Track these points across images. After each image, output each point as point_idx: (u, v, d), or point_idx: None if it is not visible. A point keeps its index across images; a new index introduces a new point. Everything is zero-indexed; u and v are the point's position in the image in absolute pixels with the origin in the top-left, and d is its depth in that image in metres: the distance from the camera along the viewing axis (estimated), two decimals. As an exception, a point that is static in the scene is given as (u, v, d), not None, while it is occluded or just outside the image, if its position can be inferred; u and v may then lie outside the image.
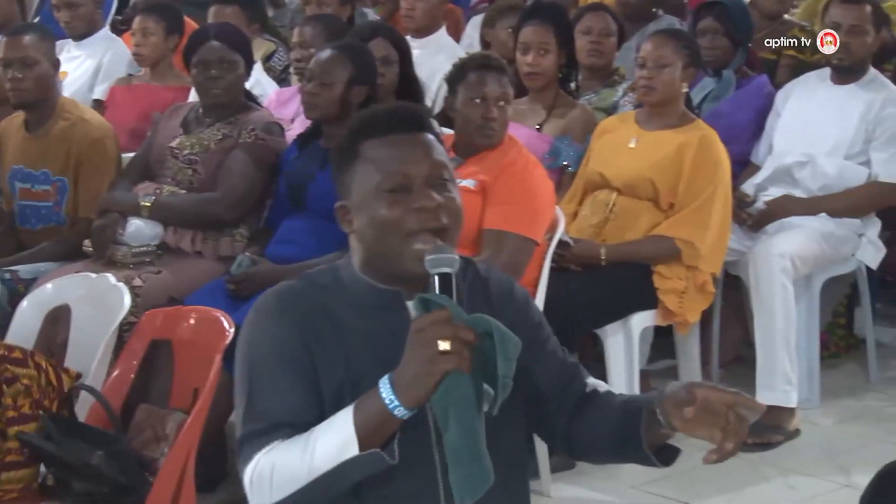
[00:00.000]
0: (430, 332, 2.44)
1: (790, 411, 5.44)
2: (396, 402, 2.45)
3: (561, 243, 5.02)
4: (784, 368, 5.42)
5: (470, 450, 2.51)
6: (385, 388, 2.46)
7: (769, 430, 5.37)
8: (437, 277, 2.51)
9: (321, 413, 2.56)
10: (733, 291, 5.87)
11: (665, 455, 2.67)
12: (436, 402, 2.49)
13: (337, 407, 2.53)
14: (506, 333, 2.50)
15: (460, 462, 2.51)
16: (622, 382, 5.21)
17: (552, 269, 4.94)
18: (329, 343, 2.61)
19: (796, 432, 5.46)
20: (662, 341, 5.79)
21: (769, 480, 5.19)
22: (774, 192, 5.81)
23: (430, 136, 2.66)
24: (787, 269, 5.47)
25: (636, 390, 5.21)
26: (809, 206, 5.74)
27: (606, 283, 5.16)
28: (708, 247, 5.26)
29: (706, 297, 5.40)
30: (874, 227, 5.86)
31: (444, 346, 2.43)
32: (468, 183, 4.82)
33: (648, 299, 5.27)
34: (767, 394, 5.39)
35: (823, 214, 5.72)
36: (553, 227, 4.95)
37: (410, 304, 2.57)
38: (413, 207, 2.58)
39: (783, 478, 5.20)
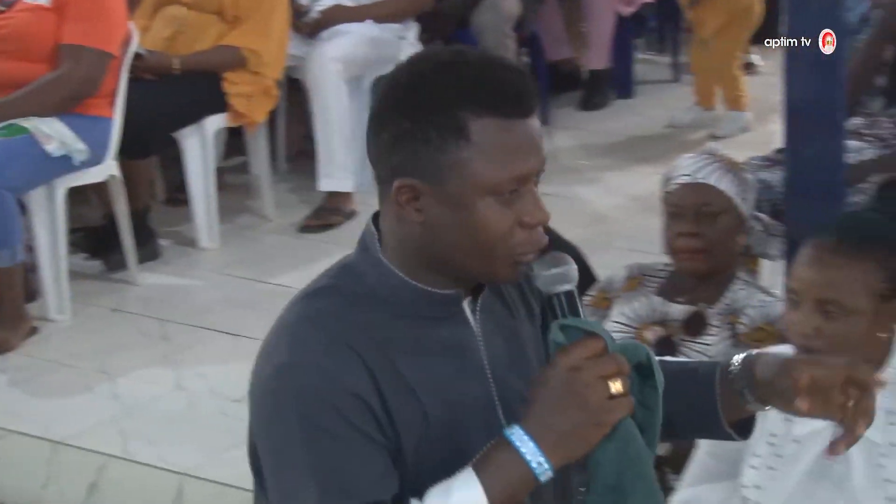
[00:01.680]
0: (590, 370, 1.71)
1: (348, 195, 5.60)
2: (546, 466, 1.71)
3: (136, 55, 4.94)
4: (341, 159, 5.57)
5: None
6: (526, 446, 1.71)
7: (330, 212, 5.55)
8: (563, 297, 1.79)
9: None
10: (295, 93, 5.93)
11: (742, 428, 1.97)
12: (606, 461, 1.76)
13: (418, 452, 1.78)
14: (656, 361, 1.84)
15: None
16: (200, 181, 5.28)
17: (130, 80, 4.86)
18: (391, 375, 1.77)
19: (353, 213, 5.61)
20: (234, 140, 5.85)
21: (332, 255, 5.34)
22: (326, 2, 5.85)
23: (537, 122, 1.81)
24: (339, 71, 5.59)
25: (212, 184, 5.26)
26: (357, 14, 5.81)
27: (180, 91, 5.19)
28: (270, 54, 5.35)
29: (271, 100, 5.52)
30: (413, 30, 6.02)
31: (615, 387, 1.71)
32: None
33: (219, 104, 5.29)
34: (328, 181, 5.57)
35: (369, 21, 5.82)
36: (127, 42, 4.85)
37: (465, 307, 1.86)
38: (525, 221, 1.77)
39: (343, 253, 5.37)
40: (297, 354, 1.76)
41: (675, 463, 2.69)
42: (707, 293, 2.90)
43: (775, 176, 3.57)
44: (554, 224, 3.24)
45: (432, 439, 1.78)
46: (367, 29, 5.80)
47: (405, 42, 5.94)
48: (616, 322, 2.93)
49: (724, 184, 2.86)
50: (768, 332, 2.81)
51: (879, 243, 2.35)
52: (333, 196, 5.59)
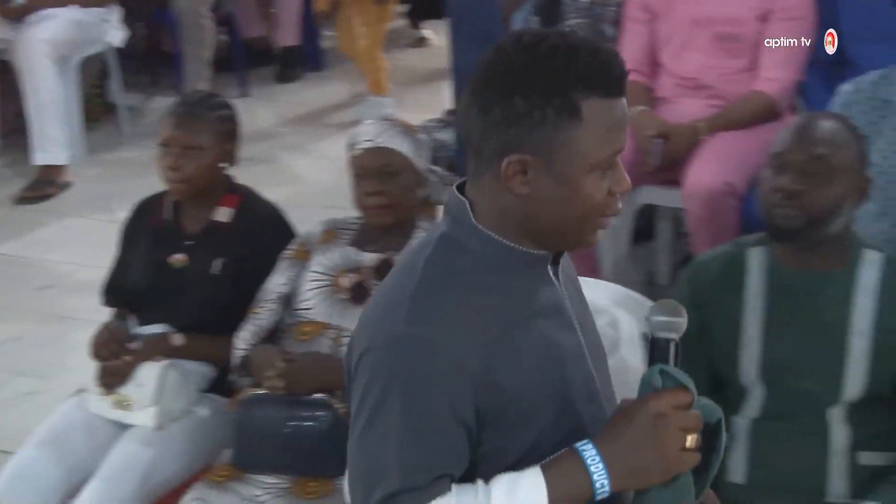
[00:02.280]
0: (675, 419, 1.72)
1: (62, 168, 5.45)
2: (607, 487, 1.71)
3: None
4: (54, 134, 5.41)
5: None
6: (595, 466, 1.71)
7: (45, 184, 5.40)
8: (670, 345, 1.77)
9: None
10: (5, 74, 5.70)
11: None
12: (658, 502, 1.75)
13: (526, 411, 1.75)
14: (723, 428, 1.82)
15: None
16: None
17: None
18: (503, 343, 1.74)
19: (67, 184, 5.46)
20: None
21: (48, 224, 5.24)
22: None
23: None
24: (48, 52, 5.42)
25: None
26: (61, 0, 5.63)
27: None
28: None
29: None
30: (115, 13, 5.87)
31: (690, 441, 1.72)
32: None
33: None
34: (41, 155, 5.40)
35: (74, 6, 5.64)
36: None
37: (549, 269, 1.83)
38: (614, 190, 1.78)
39: (59, 221, 5.26)
40: (416, 325, 1.70)
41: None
42: (394, 241, 2.95)
43: (448, 135, 3.66)
44: (256, 186, 3.26)
45: (541, 398, 1.75)
46: (72, 13, 5.65)
47: (108, 24, 5.81)
48: (314, 271, 2.96)
49: (402, 146, 2.91)
50: (448, 272, 2.88)
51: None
52: (48, 169, 5.43)
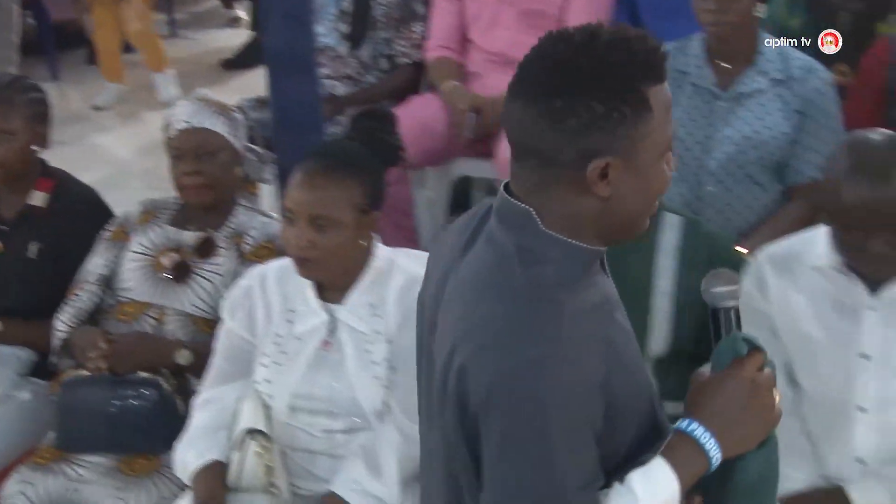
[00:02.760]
0: (764, 382, 1.74)
1: None
2: (719, 460, 1.71)
3: None
4: None
5: None
6: (709, 444, 1.70)
7: None
8: (732, 313, 1.79)
9: None
10: None
11: None
12: (753, 463, 1.75)
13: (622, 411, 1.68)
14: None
15: None
16: None
17: None
18: (612, 349, 1.66)
19: None
20: None
21: None
22: None
23: None
24: None
25: None
26: None
27: None
28: None
29: None
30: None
31: (778, 398, 1.75)
32: None
33: None
34: None
35: None
36: None
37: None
38: (669, 169, 1.71)
39: None
40: (544, 345, 1.60)
41: (196, 369, 2.73)
42: (214, 220, 2.93)
43: (265, 114, 3.63)
44: (70, 169, 3.20)
45: (639, 397, 1.72)
46: None
47: None
48: (134, 252, 2.92)
49: (218, 126, 2.89)
50: (270, 249, 2.88)
51: (357, 165, 2.46)
52: None
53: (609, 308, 1.69)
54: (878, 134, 2.32)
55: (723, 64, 3.23)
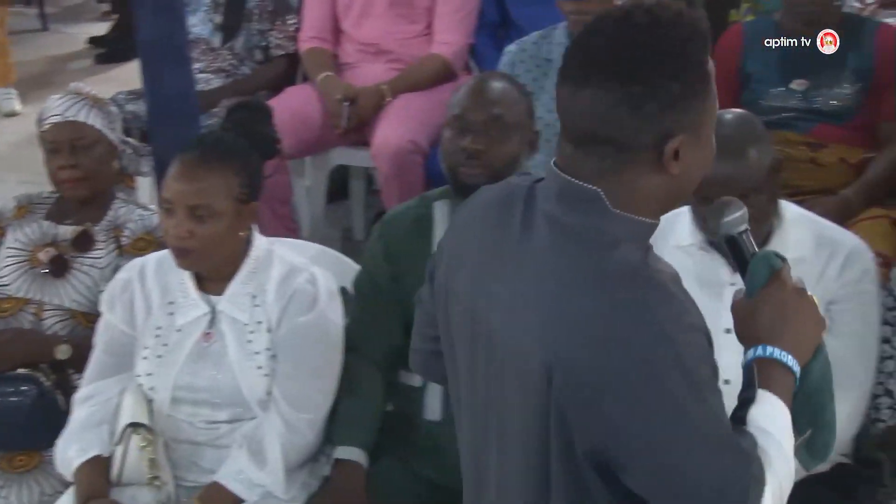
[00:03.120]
0: (804, 290, 1.74)
1: None
2: (799, 372, 1.72)
3: None
4: None
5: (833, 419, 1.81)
6: (791, 361, 1.70)
7: None
8: (747, 235, 1.79)
9: None
10: None
11: None
12: (815, 371, 1.75)
13: None
14: None
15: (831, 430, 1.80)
16: None
17: None
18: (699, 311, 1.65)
19: None
20: None
21: None
22: None
23: None
24: None
25: None
26: None
27: None
28: None
29: None
30: None
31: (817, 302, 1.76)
32: None
33: None
34: None
35: None
36: None
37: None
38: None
39: None
40: (669, 322, 1.55)
41: (76, 364, 2.69)
42: (91, 213, 2.89)
43: (140, 107, 3.59)
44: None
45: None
46: None
47: None
48: (10, 248, 2.86)
49: (92, 118, 2.85)
50: (149, 241, 2.84)
51: (234, 156, 2.45)
52: None
53: (678, 274, 1.66)
54: (730, 113, 2.39)
55: (588, 51, 3.26)
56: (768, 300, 1.72)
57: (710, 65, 1.63)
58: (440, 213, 2.65)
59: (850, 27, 3.34)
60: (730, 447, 1.58)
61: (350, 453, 2.51)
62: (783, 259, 1.75)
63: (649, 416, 1.54)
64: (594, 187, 1.61)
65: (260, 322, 2.47)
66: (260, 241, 2.53)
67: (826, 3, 3.28)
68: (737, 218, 1.79)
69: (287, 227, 3.89)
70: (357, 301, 2.69)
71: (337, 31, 4.06)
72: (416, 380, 2.62)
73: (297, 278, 2.50)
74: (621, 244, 1.60)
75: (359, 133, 3.91)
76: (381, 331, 2.63)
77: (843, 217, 3.10)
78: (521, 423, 1.64)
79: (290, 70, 4.18)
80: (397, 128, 3.75)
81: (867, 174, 3.28)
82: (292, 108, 3.85)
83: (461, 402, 1.77)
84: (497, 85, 2.62)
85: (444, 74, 3.93)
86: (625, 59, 1.58)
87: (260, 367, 2.46)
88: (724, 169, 2.23)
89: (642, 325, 1.54)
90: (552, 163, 1.66)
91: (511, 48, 3.36)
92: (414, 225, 2.65)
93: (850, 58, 3.30)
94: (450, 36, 3.95)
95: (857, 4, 3.71)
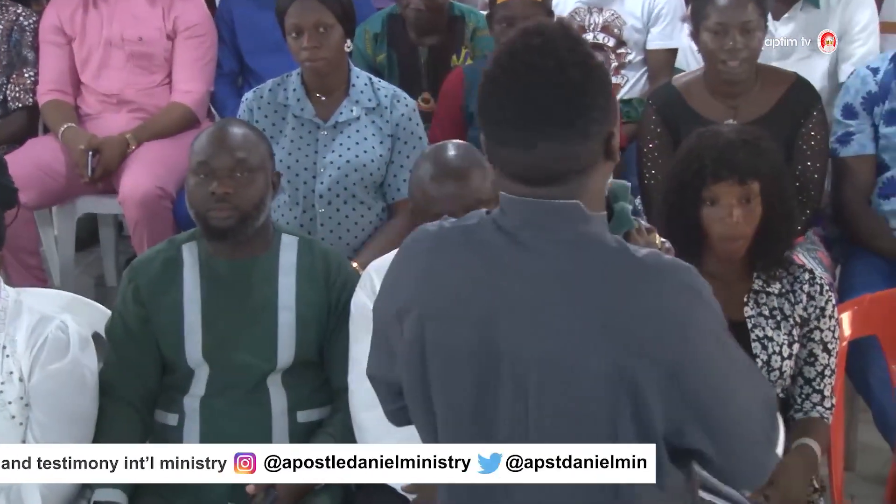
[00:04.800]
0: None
1: None
2: None
3: None
4: None
5: None
6: None
7: None
8: None
9: None
10: None
11: None
12: None
13: None
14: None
15: None
16: None
17: None
18: None
19: None
20: None
21: None
22: None
23: None
24: None
25: None
26: None
27: None
28: None
29: None
30: None
31: None
32: None
33: None
34: None
35: None
36: None
37: None
38: None
39: None
40: (702, 290, 1.63)
41: None
42: None
43: None
44: None
45: None
46: None
47: None
48: None
49: None
50: None
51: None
52: None
53: None
54: (454, 143, 2.51)
55: (320, 96, 3.29)
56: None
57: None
58: (189, 254, 2.61)
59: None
60: (759, 372, 1.83)
61: (109, 495, 2.43)
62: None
63: (723, 374, 1.63)
64: (572, 201, 1.64)
65: (11, 372, 2.37)
66: (7, 292, 2.43)
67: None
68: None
69: (36, 276, 3.77)
70: (110, 345, 2.62)
71: (77, 83, 3.97)
72: (172, 419, 2.58)
73: (47, 326, 2.41)
74: (607, 240, 1.65)
75: (105, 181, 3.82)
76: (135, 373, 2.57)
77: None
78: (575, 427, 1.62)
79: (30, 122, 4.04)
80: (144, 175, 3.70)
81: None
82: (34, 159, 3.74)
83: (448, 432, 1.71)
84: (237, 131, 2.61)
85: (187, 122, 3.90)
86: (559, 109, 1.60)
87: (13, 417, 2.35)
88: (451, 188, 2.37)
89: (693, 299, 1.62)
90: (510, 196, 1.66)
91: (248, 95, 3.36)
92: (163, 268, 2.61)
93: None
94: (191, 85, 3.92)
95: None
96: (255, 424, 2.55)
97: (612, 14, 3.89)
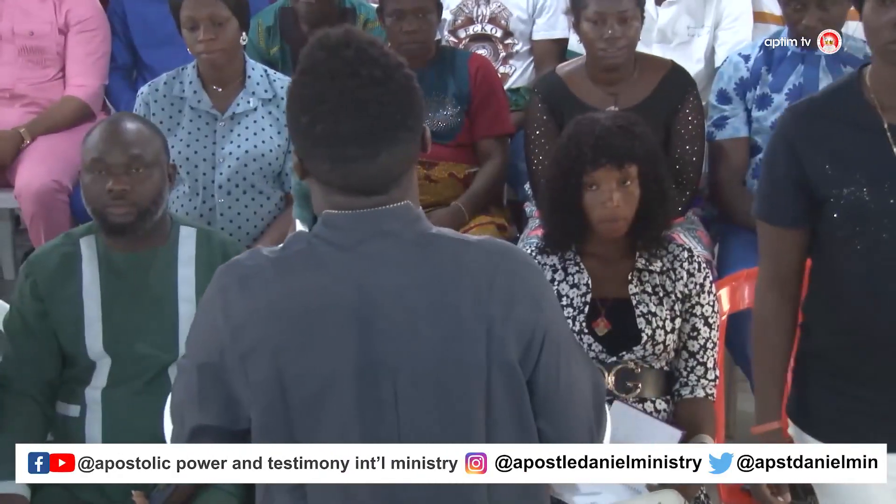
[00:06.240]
0: None
1: None
2: None
3: None
4: None
5: None
6: None
7: None
8: None
9: None
10: None
11: None
12: None
13: None
14: None
15: None
16: None
17: None
18: None
19: None
20: None
21: None
22: None
23: None
24: None
25: None
26: None
27: None
28: None
29: None
30: None
31: None
32: None
33: None
34: None
35: None
36: None
37: None
38: None
39: None
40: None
41: None
42: None
43: None
44: None
45: None
46: None
47: None
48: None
49: None
50: None
51: None
52: None
53: None
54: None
55: (216, 88, 3.25)
56: None
57: None
58: (87, 248, 2.56)
59: (448, 58, 3.48)
60: (591, 360, 1.85)
61: (10, 487, 2.37)
62: None
63: (568, 351, 1.70)
64: (404, 202, 1.64)
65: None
66: None
67: (426, 39, 3.40)
68: None
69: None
70: (8, 340, 2.54)
71: (-32, 78, 3.85)
72: (74, 410, 2.53)
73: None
74: (443, 233, 1.66)
75: (0, 176, 3.71)
76: (34, 366, 2.51)
77: (456, 225, 3.24)
78: (462, 391, 1.61)
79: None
80: (39, 168, 3.61)
81: (472, 187, 3.42)
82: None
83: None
84: (131, 126, 2.55)
85: (81, 115, 3.82)
86: (397, 114, 1.60)
87: None
88: None
89: (539, 275, 1.72)
90: (342, 213, 1.62)
91: (144, 89, 3.31)
92: (61, 263, 2.55)
93: (450, 84, 3.43)
94: (84, 79, 3.84)
95: (453, 39, 3.87)
96: (157, 414, 2.51)
97: (499, 6, 3.90)
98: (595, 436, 1.75)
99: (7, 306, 2.62)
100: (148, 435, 2.48)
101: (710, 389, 2.57)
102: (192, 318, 2.48)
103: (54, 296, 2.52)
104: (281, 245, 1.67)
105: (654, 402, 2.53)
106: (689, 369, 2.57)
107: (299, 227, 2.08)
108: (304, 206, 2.05)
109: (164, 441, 2.47)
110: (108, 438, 2.50)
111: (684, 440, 2.40)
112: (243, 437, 1.66)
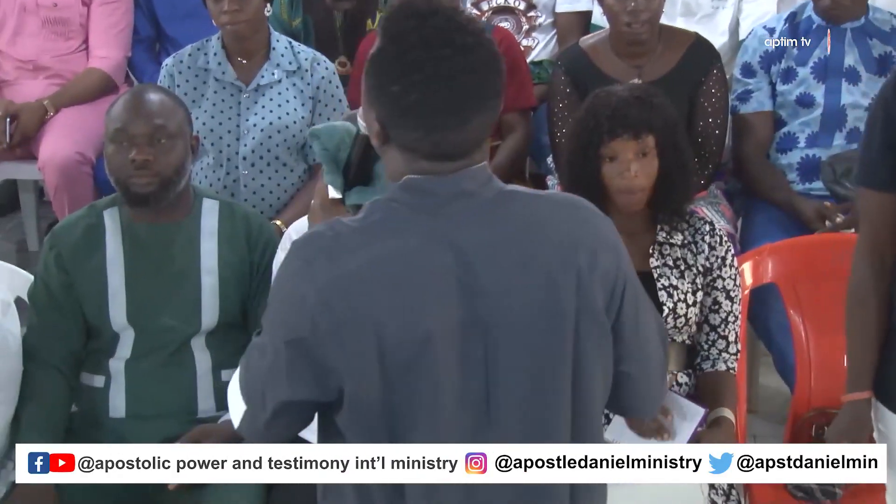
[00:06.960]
0: None
1: None
2: None
3: None
4: None
5: None
6: None
7: None
8: None
9: None
10: None
11: None
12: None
13: None
14: None
15: None
16: None
17: None
18: None
19: None
20: None
21: None
22: None
23: None
24: None
25: None
26: None
27: None
28: None
29: None
30: None
31: None
32: None
33: None
34: None
35: None
36: None
37: None
38: None
39: None
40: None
41: None
42: None
43: None
44: None
45: None
46: None
47: None
48: None
49: None
50: None
51: None
52: None
53: None
54: None
55: (241, 60, 3.23)
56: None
57: None
58: (110, 220, 2.54)
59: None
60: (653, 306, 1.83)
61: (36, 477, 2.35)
62: None
63: (642, 298, 1.73)
64: (482, 163, 1.64)
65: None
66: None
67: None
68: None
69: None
70: (34, 310, 2.54)
71: (-8, 49, 3.85)
72: (98, 381, 2.51)
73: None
74: (518, 190, 1.68)
75: (24, 148, 3.71)
76: (59, 337, 2.50)
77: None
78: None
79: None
80: (63, 140, 3.60)
81: (495, 160, 3.39)
82: (-52, 127, 3.62)
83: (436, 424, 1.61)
84: (154, 97, 2.53)
85: (104, 87, 3.80)
86: (488, 82, 1.60)
87: None
88: None
89: (611, 226, 1.72)
90: (427, 178, 1.61)
91: (168, 61, 3.29)
92: (85, 234, 2.53)
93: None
94: (107, 51, 3.82)
95: (476, 12, 3.83)
96: (180, 385, 2.50)
97: (522, -22, 3.87)
98: (665, 372, 1.80)
99: (32, 277, 2.62)
100: (171, 405, 2.48)
101: (732, 363, 2.54)
102: (215, 290, 2.49)
103: (78, 267, 2.50)
104: (360, 214, 1.64)
105: (675, 375, 2.51)
106: (710, 343, 2.54)
107: (332, 193, 2.07)
108: (335, 172, 2.03)
109: (189, 410, 2.50)
110: (131, 409, 2.49)
111: (705, 417, 2.38)
112: (329, 407, 1.63)
